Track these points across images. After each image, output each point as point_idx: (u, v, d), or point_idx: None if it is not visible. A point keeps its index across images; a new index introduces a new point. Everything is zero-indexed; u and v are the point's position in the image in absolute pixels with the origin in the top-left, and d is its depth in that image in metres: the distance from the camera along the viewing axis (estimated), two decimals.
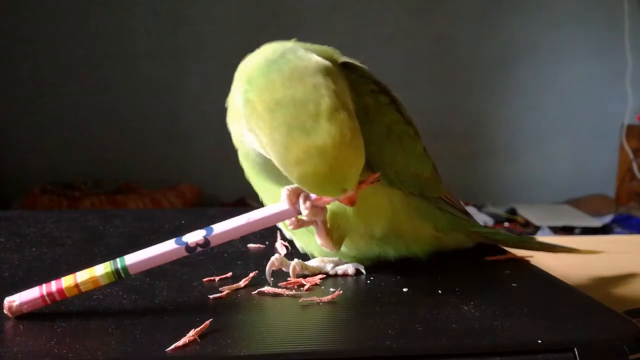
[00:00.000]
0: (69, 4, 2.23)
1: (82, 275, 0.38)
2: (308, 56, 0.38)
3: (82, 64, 2.27)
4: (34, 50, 2.24)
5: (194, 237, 0.39)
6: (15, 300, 0.37)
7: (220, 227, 0.40)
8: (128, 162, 2.30)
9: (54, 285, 0.37)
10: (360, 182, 0.39)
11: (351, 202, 0.39)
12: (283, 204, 0.40)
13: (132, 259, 0.39)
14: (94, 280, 0.38)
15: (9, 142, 2.27)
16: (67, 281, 0.38)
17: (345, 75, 0.41)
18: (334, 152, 0.34)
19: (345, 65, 0.43)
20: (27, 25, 2.21)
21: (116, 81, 2.29)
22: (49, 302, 0.37)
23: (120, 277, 0.38)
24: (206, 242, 0.39)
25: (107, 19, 2.26)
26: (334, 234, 0.44)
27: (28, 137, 2.28)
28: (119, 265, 0.38)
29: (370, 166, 0.42)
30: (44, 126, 2.28)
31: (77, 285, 0.37)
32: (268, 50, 0.39)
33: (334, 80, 0.37)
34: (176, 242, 0.39)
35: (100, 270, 0.38)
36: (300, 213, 0.40)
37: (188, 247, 0.39)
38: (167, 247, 0.39)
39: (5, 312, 0.37)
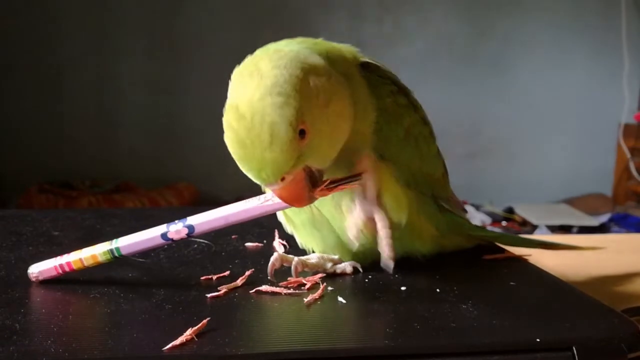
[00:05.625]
0: (67, 3, 2.23)
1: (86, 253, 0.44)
2: (276, 61, 0.37)
3: (80, 63, 2.26)
4: (32, 49, 2.23)
5: (177, 234, 0.42)
6: (35, 271, 0.43)
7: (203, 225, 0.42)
8: (125, 161, 2.30)
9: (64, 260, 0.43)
10: (339, 181, 0.40)
11: (291, 198, 0.39)
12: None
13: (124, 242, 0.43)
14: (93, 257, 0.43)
15: (6, 142, 2.27)
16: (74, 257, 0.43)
17: (363, 76, 0.43)
18: (251, 150, 0.36)
19: (366, 65, 0.43)
20: (26, 24, 2.21)
21: (114, 80, 2.29)
22: (61, 272, 0.43)
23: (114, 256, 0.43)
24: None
25: (106, 17, 2.26)
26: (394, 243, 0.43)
27: (26, 136, 2.28)
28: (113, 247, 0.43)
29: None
30: (42, 125, 2.27)
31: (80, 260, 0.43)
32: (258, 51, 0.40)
33: (299, 83, 0.36)
34: (162, 238, 0.42)
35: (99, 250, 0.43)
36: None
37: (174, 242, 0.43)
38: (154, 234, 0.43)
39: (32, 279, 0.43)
